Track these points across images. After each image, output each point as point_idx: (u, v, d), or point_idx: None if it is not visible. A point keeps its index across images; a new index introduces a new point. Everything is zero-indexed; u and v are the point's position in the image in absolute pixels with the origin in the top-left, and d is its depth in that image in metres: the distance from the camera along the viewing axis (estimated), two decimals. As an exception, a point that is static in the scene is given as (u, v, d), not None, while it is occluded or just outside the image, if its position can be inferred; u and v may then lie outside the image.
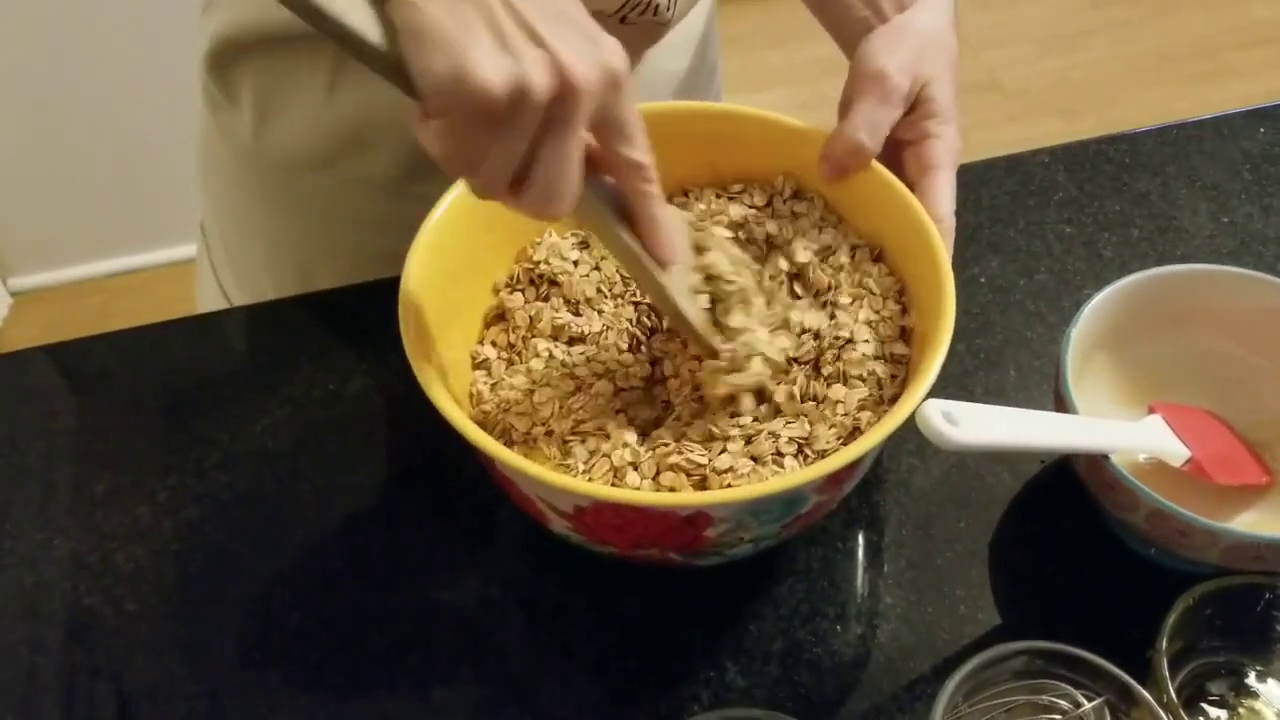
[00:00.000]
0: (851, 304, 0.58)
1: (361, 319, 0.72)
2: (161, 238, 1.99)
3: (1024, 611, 0.58)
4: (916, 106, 0.60)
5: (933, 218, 0.57)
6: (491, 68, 0.41)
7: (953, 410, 0.47)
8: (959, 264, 0.72)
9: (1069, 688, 0.49)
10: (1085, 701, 0.48)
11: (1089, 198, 0.78)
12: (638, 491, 0.51)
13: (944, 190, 0.59)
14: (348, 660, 0.57)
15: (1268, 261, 0.74)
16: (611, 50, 0.44)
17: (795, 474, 0.50)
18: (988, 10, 2.47)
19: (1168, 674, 0.48)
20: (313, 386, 0.69)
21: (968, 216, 0.77)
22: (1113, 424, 0.58)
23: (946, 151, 0.60)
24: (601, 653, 0.57)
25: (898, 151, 0.61)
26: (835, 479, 0.51)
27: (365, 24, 0.42)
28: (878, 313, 0.57)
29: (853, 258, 0.60)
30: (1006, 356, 0.69)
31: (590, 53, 0.43)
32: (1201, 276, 0.62)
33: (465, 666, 0.57)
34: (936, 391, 0.65)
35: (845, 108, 0.59)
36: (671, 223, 0.52)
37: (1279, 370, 0.62)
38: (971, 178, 0.80)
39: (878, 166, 0.59)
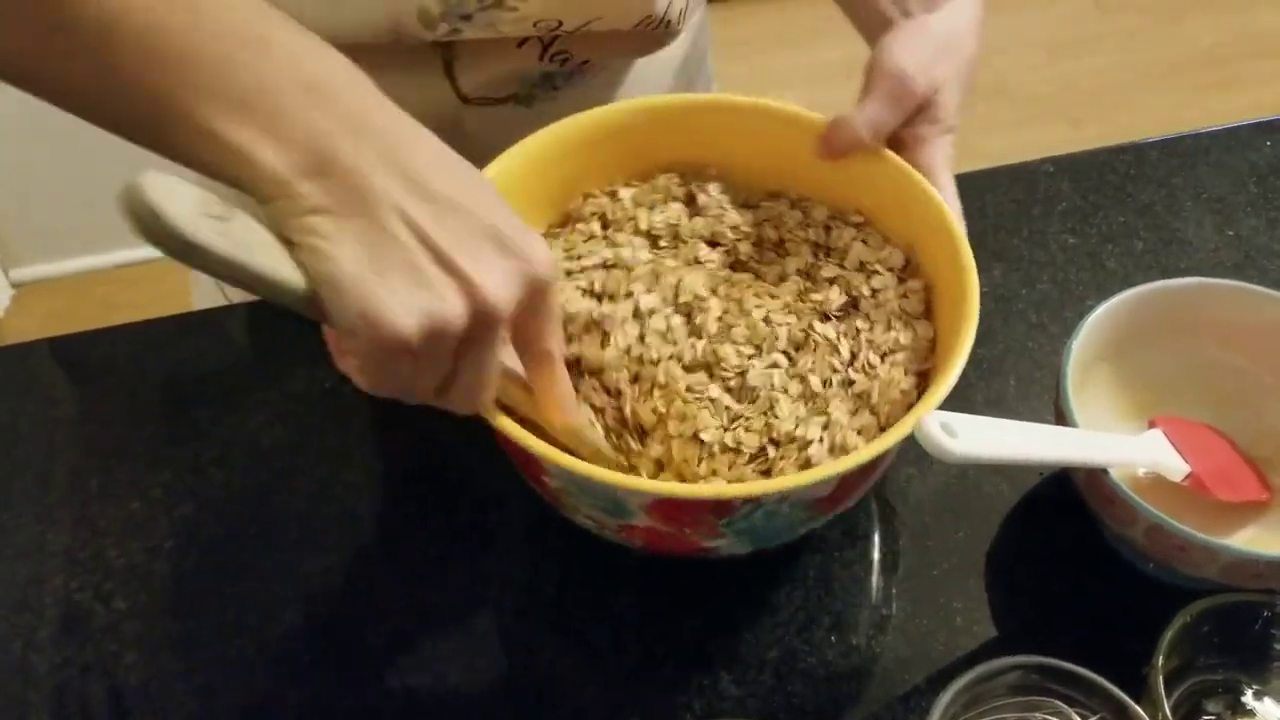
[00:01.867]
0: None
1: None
2: (165, 229, 1.98)
3: (1021, 624, 0.58)
4: (921, 110, 0.60)
5: None
6: (404, 309, 0.41)
7: (951, 422, 0.47)
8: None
9: (1063, 705, 0.48)
10: (1079, 718, 0.48)
11: (1093, 208, 0.78)
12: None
13: (949, 192, 0.59)
14: (341, 658, 0.57)
15: (1272, 276, 0.73)
16: (535, 257, 0.44)
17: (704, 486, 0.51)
18: (995, 15, 2.44)
19: (1164, 691, 0.48)
20: (311, 383, 0.69)
21: (971, 224, 0.77)
22: (1112, 437, 0.58)
23: (943, 157, 0.60)
24: (595, 656, 0.57)
25: (894, 149, 0.61)
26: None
27: (285, 272, 0.41)
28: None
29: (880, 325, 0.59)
30: (1007, 367, 0.69)
31: (508, 269, 0.43)
32: (1205, 290, 0.62)
33: (458, 666, 0.57)
34: (936, 401, 0.65)
35: (862, 97, 0.60)
36: (566, 383, 0.51)
37: (1281, 385, 0.62)
38: (975, 186, 0.80)
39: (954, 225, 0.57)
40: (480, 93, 0.70)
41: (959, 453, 0.46)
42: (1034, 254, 0.75)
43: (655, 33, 0.68)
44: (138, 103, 0.42)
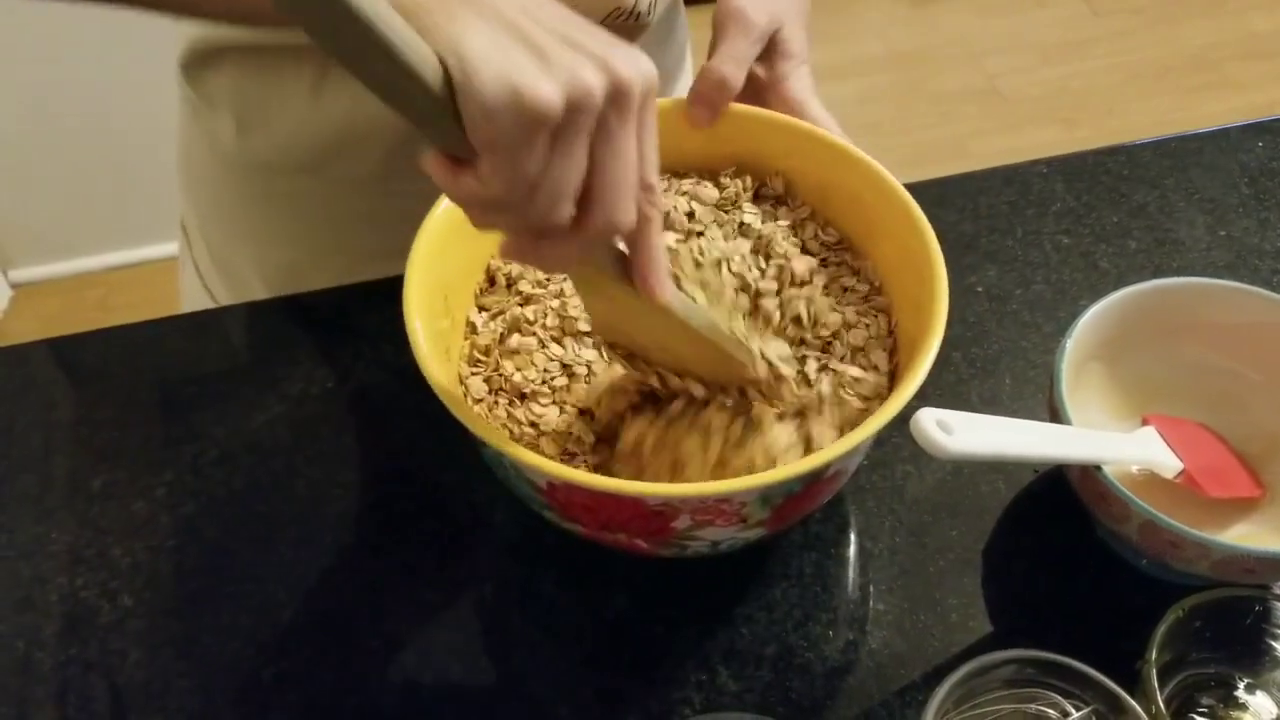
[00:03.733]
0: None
1: (360, 318, 0.73)
2: (162, 231, 1.99)
3: (1015, 620, 0.58)
4: (772, 49, 0.64)
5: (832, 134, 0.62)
6: (546, 78, 0.39)
7: (947, 419, 0.47)
8: (956, 272, 0.73)
9: (1058, 697, 0.49)
10: (1073, 711, 0.49)
11: (1087, 209, 0.79)
12: (595, 476, 0.49)
13: (823, 116, 0.64)
14: (340, 657, 0.58)
15: (1264, 275, 0.74)
16: (640, 55, 0.42)
17: (741, 480, 0.50)
18: (989, 18, 2.47)
19: (1157, 685, 0.48)
20: (310, 384, 0.69)
21: (965, 225, 0.78)
22: (1106, 435, 0.59)
23: (806, 86, 0.65)
24: (594, 653, 0.58)
25: (760, 95, 0.65)
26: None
27: (419, 59, 0.38)
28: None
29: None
30: (1002, 366, 0.69)
31: (627, 54, 0.41)
32: (1197, 290, 0.62)
33: (457, 664, 0.57)
34: (932, 399, 0.66)
35: (711, 49, 0.64)
36: (664, 255, 0.48)
37: (1272, 384, 0.62)
38: (970, 187, 0.80)
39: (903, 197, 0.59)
40: None
41: (954, 450, 0.47)
42: (1028, 254, 0.76)
43: (625, 25, 0.68)
44: None
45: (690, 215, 0.63)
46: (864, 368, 0.57)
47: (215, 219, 0.84)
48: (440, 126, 0.40)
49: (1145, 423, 0.59)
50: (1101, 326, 0.61)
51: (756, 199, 0.65)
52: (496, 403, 0.59)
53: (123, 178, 1.89)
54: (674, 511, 0.50)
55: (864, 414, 0.55)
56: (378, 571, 0.61)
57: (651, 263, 0.47)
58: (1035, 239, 0.77)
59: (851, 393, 0.56)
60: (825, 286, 0.61)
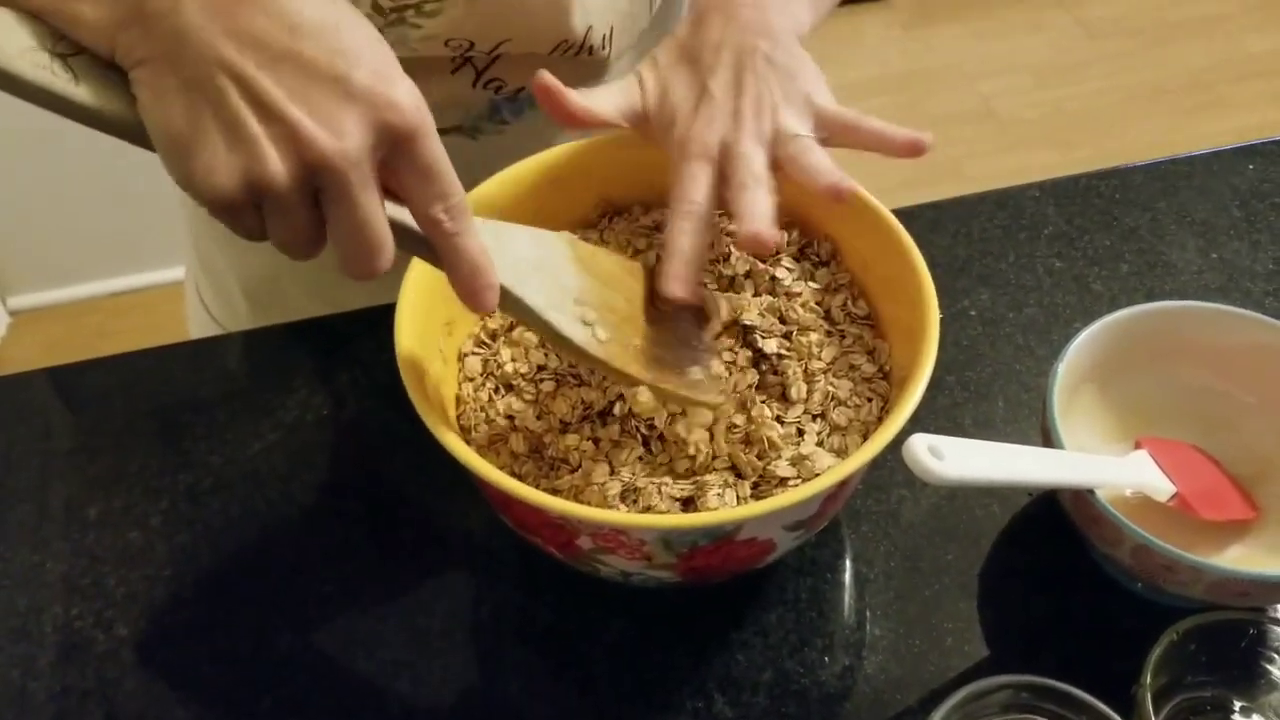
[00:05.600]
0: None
1: (355, 345, 0.73)
2: (160, 258, 1.99)
3: (1011, 644, 0.58)
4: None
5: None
6: (221, 170, 0.39)
7: (939, 445, 0.48)
8: (949, 296, 0.73)
9: (1052, 723, 0.49)
10: (1068, 736, 0.49)
11: (1079, 232, 0.79)
12: (501, 475, 0.49)
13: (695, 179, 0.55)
14: (338, 684, 0.58)
15: (1255, 298, 0.74)
16: (393, 102, 0.41)
17: (646, 516, 0.51)
18: (984, 40, 2.49)
19: (1152, 709, 0.48)
20: (306, 411, 0.69)
21: (958, 249, 0.78)
22: (1099, 459, 0.59)
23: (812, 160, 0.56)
24: (590, 679, 0.57)
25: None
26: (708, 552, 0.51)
27: (118, 109, 0.41)
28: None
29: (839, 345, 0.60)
30: (996, 389, 0.69)
31: (352, 116, 0.40)
32: (1189, 313, 0.62)
33: (454, 691, 0.57)
34: (925, 423, 0.66)
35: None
36: (481, 260, 0.46)
37: (1265, 406, 0.62)
38: (962, 211, 0.81)
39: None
40: None
41: (946, 476, 0.47)
42: (1021, 278, 0.76)
43: (580, 59, 0.67)
44: None
45: (725, 258, 0.62)
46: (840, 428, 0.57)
47: (197, 219, 0.84)
48: None
49: (1138, 446, 0.59)
50: (1094, 350, 0.61)
51: (801, 257, 0.63)
52: (483, 385, 0.60)
53: (122, 205, 1.89)
54: (575, 530, 0.50)
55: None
56: (373, 598, 0.61)
57: (460, 279, 0.46)
58: (1028, 262, 0.77)
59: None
60: (832, 361, 0.58)
